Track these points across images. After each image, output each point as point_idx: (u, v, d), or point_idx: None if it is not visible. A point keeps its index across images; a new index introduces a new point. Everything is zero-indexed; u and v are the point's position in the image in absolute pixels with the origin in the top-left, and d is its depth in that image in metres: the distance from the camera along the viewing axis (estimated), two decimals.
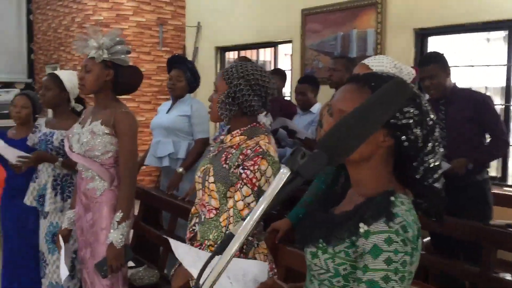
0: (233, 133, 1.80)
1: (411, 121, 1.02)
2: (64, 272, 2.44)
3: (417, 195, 1.09)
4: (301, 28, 5.15)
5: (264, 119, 3.04)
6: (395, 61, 2.09)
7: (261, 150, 1.69)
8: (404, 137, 1.03)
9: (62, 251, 2.46)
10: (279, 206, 1.65)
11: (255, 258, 1.72)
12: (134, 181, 2.35)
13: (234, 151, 1.75)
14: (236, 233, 0.73)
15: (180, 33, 6.58)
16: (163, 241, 2.88)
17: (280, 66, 5.62)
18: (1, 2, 7.96)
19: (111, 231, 2.22)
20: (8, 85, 8.10)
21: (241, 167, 1.69)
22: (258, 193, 1.68)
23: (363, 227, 0.98)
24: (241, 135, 1.77)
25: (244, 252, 1.71)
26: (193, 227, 1.91)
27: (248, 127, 1.79)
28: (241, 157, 1.70)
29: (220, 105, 1.77)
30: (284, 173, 0.71)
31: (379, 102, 0.78)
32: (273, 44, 5.74)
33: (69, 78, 2.89)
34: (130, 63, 2.47)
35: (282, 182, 0.71)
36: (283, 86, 4.58)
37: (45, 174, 2.88)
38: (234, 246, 0.72)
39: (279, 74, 4.40)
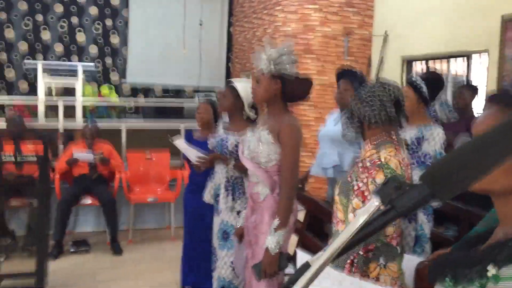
0: (365, 147, 1.80)
1: None
2: (240, 268, 2.62)
3: None
4: (500, 36, 4.61)
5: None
6: None
7: (379, 162, 1.61)
8: None
9: (236, 248, 2.64)
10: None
11: (377, 279, 1.59)
12: (293, 191, 2.38)
13: (360, 164, 1.75)
14: (312, 264, 0.67)
15: (366, 43, 6.48)
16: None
17: (475, 78, 5.12)
18: (208, 17, 8.88)
19: (268, 237, 2.29)
20: (208, 91, 9.03)
21: (355, 179, 1.66)
22: None
23: (491, 270, 0.82)
24: (371, 148, 1.77)
25: (355, 265, 1.61)
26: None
27: (377, 140, 1.78)
28: (361, 169, 1.65)
29: (346, 126, 1.84)
30: (375, 204, 0.63)
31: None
32: (467, 54, 5.25)
33: (244, 87, 3.06)
34: (314, 72, 2.53)
35: (370, 214, 0.62)
36: (472, 100, 4.21)
37: (220, 175, 3.09)
38: (307, 277, 0.66)
39: (470, 89, 4.19)
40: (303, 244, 3.35)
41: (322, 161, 3.43)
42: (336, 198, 1.77)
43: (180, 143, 3.31)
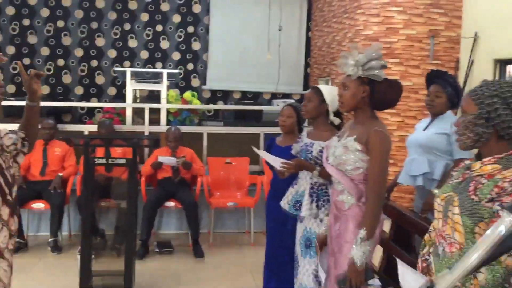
0: (484, 160, 1.59)
1: None
2: (322, 275, 2.57)
3: None
4: None
5: None
6: None
7: None
8: None
9: (319, 256, 2.60)
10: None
11: None
12: (380, 200, 2.30)
13: (485, 181, 1.54)
14: (437, 284, 0.61)
15: (453, 45, 6.17)
16: (413, 265, 2.73)
17: None
18: (287, 22, 8.89)
19: (353, 247, 2.23)
20: (286, 96, 9.04)
21: (497, 203, 1.46)
22: None
23: None
24: (494, 163, 1.55)
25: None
26: (427, 257, 1.75)
27: (504, 155, 1.56)
28: (495, 189, 1.48)
29: (466, 129, 1.59)
30: (508, 221, 0.56)
31: None
32: None
33: (330, 92, 3.01)
34: (397, 77, 2.42)
35: (504, 233, 0.56)
36: None
37: (304, 182, 3.05)
38: None
39: None
40: (389, 256, 3.23)
41: (411, 169, 3.29)
42: (457, 218, 1.60)
43: (262, 152, 3.32)
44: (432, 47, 6.09)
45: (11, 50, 8.56)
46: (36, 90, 2.08)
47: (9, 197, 1.87)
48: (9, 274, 1.88)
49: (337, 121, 3.09)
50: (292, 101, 7.59)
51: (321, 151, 2.90)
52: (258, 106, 7.69)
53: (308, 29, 9.16)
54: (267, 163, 3.55)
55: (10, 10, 8.54)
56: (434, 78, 3.31)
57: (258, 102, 8.90)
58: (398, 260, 1.51)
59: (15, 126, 2.14)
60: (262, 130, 6.00)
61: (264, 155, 3.22)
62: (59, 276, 4.21)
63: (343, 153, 2.36)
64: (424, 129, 3.32)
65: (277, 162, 3.09)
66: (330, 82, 7.62)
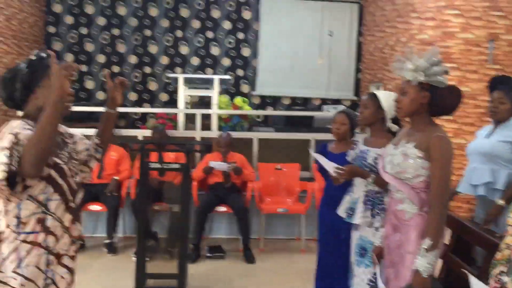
0: None
1: None
2: (381, 286, 2.51)
3: None
4: None
5: None
6: None
7: None
8: None
9: (378, 267, 2.53)
10: None
11: None
12: (445, 209, 2.23)
13: None
14: None
15: None
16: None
17: None
18: (337, 27, 8.82)
19: (418, 257, 2.16)
20: (336, 101, 8.95)
21: None
22: None
23: None
24: None
25: None
26: (500, 277, 1.66)
27: None
28: None
29: None
30: None
31: None
32: None
33: (386, 98, 2.94)
34: (454, 82, 2.33)
35: None
36: None
37: (359, 189, 3.00)
38: None
39: None
40: (448, 269, 3.12)
41: (472, 178, 3.17)
42: None
43: (318, 155, 3.27)
44: (491, 51, 5.87)
45: (101, 58, 8.92)
46: (115, 97, 2.15)
47: (72, 204, 1.91)
48: (68, 281, 1.91)
49: (395, 127, 3.01)
50: (343, 107, 7.51)
51: (376, 158, 2.84)
52: (309, 112, 7.65)
53: (359, 33, 9.05)
54: (319, 170, 3.51)
55: (69, 19, 8.90)
56: (498, 83, 3.18)
57: (308, 108, 8.86)
58: (470, 276, 1.44)
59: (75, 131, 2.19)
60: (313, 136, 5.96)
61: (320, 158, 3.18)
62: (114, 277, 4.32)
63: (402, 160, 2.30)
64: (487, 137, 3.19)
65: (331, 167, 3.05)
66: (381, 88, 7.48)
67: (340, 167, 2.98)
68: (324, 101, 9.02)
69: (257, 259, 4.85)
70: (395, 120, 3.05)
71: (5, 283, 1.71)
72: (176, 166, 4.12)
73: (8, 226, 1.76)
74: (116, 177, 5.16)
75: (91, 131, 2.27)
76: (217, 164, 5.08)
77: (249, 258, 4.83)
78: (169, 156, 5.17)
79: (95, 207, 5.09)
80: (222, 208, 5.12)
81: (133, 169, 5.20)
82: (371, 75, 8.20)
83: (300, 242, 5.29)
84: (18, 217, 1.76)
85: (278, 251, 5.18)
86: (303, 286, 4.16)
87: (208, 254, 4.90)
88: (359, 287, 2.91)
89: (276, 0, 9.01)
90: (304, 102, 9.13)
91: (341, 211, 3.12)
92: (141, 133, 5.93)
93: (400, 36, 6.79)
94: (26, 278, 1.74)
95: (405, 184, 2.31)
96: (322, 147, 3.70)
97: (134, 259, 4.11)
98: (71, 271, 1.93)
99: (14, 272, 1.73)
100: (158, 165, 4.14)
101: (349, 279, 3.03)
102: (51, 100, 1.69)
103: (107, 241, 4.96)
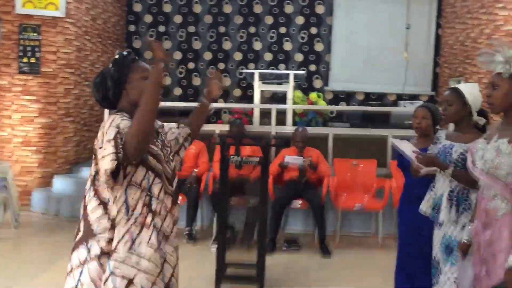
0: None
1: None
2: (462, 284, 2.46)
3: None
4: None
5: None
6: None
7: None
8: None
9: (460, 264, 2.49)
10: None
11: None
12: None
13: None
14: None
15: None
16: None
17: None
18: (414, 20, 8.57)
19: (510, 255, 2.09)
20: (413, 97, 8.69)
21: None
22: None
23: None
24: None
25: None
26: None
27: None
28: None
29: None
30: None
31: None
32: None
33: (470, 91, 2.83)
34: None
35: None
36: None
37: (443, 185, 2.92)
38: None
39: None
40: None
41: None
42: None
43: (397, 141, 3.18)
44: None
45: (178, 55, 9.27)
46: (211, 90, 2.28)
47: (171, 187, 2.05)
48: (174, 258, 2.04)
49: (482, 121, 2.90)
50: (421, 102, 7.30)
51: (462, 153, 2.76)
52: (387, 107, 7.49)
53: (438, 26, 8.73)
54: (399, 166, 3.45)
55: (148, 18, 9.27)
56: None
57: (383, 103, 8.68)
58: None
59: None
60: (390, 132, 5.86)
61: (400, 144, 3.09)
62: (195, 265, 4.48)
63: (495, 156, 2.23)
64: None
65: (410, 151, 2.97)
66: (462, 82, 7.20)
67: (419, 151, 2.91)
68: (400, 97, 8.78)
69: (333, 254, 4.86)
70: (481, 112, 2.94)
71: (121, 262, 1.85)
72: (256, 159, 4.21)
73: (118, 212, 1.90)
74: (195, 170, 5.34)
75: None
76: (293, 158, 5.12)
77: (325, 252, 4.85)
78: (246, 150, 5.27)
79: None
80: (298, 203, 5.16)
81: (212, 162, 5.36)
82: (451, 69, 7.90)
83: (376, 238, 5.22)
84: (126, 203, 1.90)
85: (354, 247, 5.16)
86: (384, 282, 4.11)
87: (284, 247, 4.97)
88: (445, 286, 2.84)
89: None
90: (379, 98, 8.95)
91: (424, 208, 3.06)
92: (218, 128, 6.08)
93: (484, 28, 6.49)
94: (140, 256, 1.88)
95: (498, 180, 2.23)
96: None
97: (212, 249, 4.26)
98: (176, 249, 2.07)
99: (129, 252, 1.87)
100: (238, 159, 4.25)
101: (431, 277, 2.98)
102: (152, 73, 1.88)
103: (187, 231, 5.15)
